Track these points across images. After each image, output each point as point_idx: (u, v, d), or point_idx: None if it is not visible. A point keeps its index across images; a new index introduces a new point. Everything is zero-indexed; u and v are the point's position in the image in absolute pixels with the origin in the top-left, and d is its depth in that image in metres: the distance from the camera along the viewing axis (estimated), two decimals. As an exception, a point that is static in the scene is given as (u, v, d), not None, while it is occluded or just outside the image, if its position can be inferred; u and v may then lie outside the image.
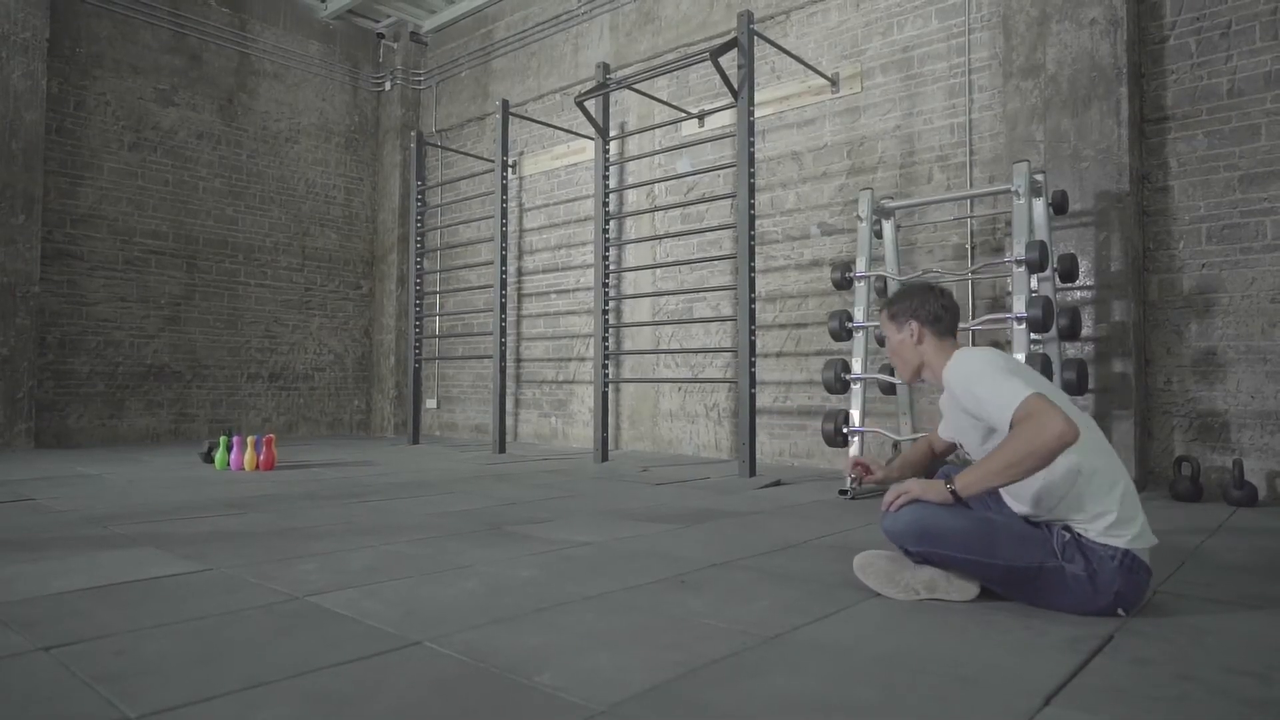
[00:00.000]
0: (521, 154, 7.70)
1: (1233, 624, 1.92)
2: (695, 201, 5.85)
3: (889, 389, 4.46)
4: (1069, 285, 4.34)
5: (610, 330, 6.12)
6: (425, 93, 8.80)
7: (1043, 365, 3.70)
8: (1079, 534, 1.96)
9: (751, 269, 4.88)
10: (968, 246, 4.96)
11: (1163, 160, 4.41)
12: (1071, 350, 4.34)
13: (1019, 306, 3.80)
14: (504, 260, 6.70)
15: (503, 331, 6.62)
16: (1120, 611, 1.94)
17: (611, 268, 6.19)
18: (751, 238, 4.89)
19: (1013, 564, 1.96)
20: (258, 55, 7.96)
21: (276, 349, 8.05)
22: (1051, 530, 2.00)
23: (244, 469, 5.03)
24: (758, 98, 5.63)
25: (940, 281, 4.88)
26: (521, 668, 1.59)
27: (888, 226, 4.68)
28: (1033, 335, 3.84)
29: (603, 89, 5.82)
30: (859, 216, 4.51)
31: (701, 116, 5.93)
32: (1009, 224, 4.43)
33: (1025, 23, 4.59)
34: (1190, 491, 3.91)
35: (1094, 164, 4.34)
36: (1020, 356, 3.73)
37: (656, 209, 6.31)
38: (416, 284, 7.48)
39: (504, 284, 6.68)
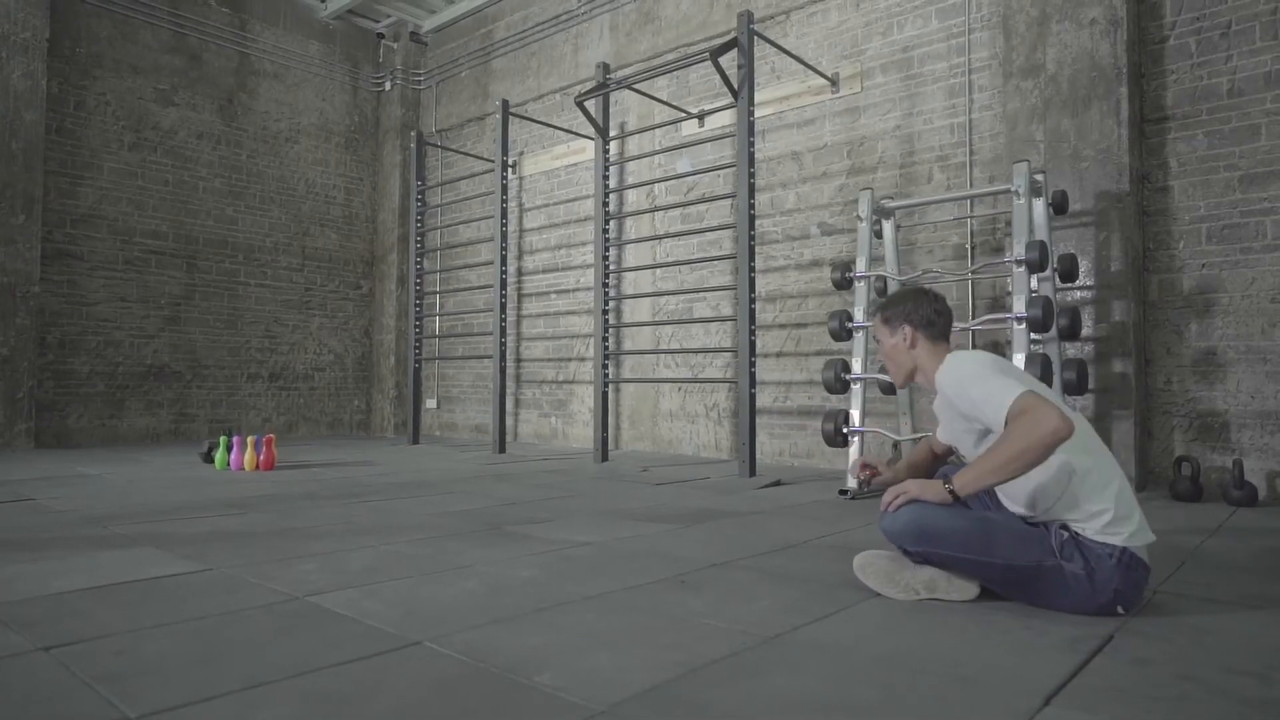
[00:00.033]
0: (521, 154, 7.70)
1: (1233, 624, 1.92)
2: (695, 201, 5.85)
3: (889, 389, 4.46)
4: (1069, 285, 4.34)
5: (610, 330, 6.13)
6: (425, 93, 8.81)
7: (1043, 365, 3.70)
8: (1076, 532, 1.96)
9: (751, 269, 4.89)
10: (968, 246, 4.97)
11: (1163, 160, 4.41)
12: (1071, 350, 4.34)
13: (1019, 306, 3.80)
14: (504, 260, 6.70)
15: (503, 331, 6.62)
16: (1120, 609, 1.94)
17: (611, 268, 6.19)
18: (751, 238, 4.89)
19: (1012, 562, 1.97)
20: (258, 55, 7.96)
21: (276, 349, 8.05)
22: (1049, 529, 2.00)
23: (244, 469, 5.03)
24: (758, 98, 5.63)
25: (940, 281, 4.89)
26: (521, 668, 1.59)
27: (888, 226, 4.68)
28: (1033, 335, 3.84)
29: (603, 89, 5.82)
30: (859, 216, 4.51)
31: (701, 116, 5.93)
32: (1009, 224, 4.43)
33: (1025, 23, 4.59)
34: (1190, 491, 3.91)
35: (1094, 164, 4.34)
36: (1020, 356, 3.74)
37: (656, 209, 6.31)
38: (416, 284, 7.48)
39: (504, 284, 6.69)
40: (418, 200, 7.50)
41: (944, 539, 1.99)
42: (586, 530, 3.11)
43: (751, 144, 4.90)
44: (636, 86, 5.94)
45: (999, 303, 4.78)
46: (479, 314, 7.89)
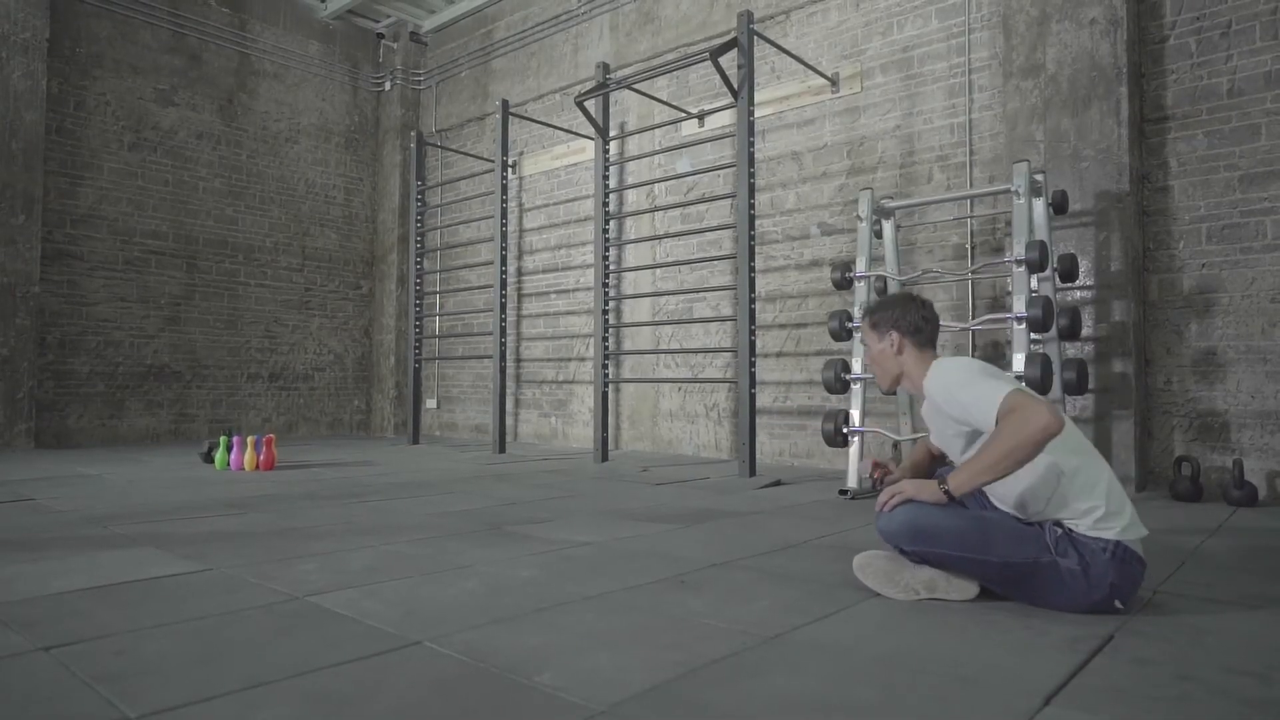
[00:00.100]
0: (521, 154, 7.70)
1: (1233, 624, 1.92)
2: (695, 201, 5.85)
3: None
4: (1069, 285, 4.34)
5: (610, 330, 6.12)
6: (425, 93, 8.80)
7: (1043, 365, 3.70)
8: (1070, 529, 1.98)
9: (751, 269, 4.89)
10: (968, 246, 4.96)
11: (1163, 160, 4.41)
12: (1071, 350, 4.34)
13: (1019, 306, 3.80)
14: (504, 260, 6.70)
15: (503, 331, 6.62)
16: (1117, 604, 1.95)
17: (611, 268, 6.19)
18: (751, 238, 4.89)
19: (1008, 560, 1.98)
20: (257, 55, 7.96)
21: (276, 349, 8.05)
22: (1044, 527, 2.02)
23: (244, 469, 5.03)
24: (758, 98, 5.63)
25: (940, 281, 4.90)
26: (521, 668, 1.59)
27: (888, 226, 4.68)
28: (1033, 335, 3.84)
29: (603, 89, 5.82)
30: (859, 216, 4.51)
31: (701, 116, 5.93)
32: (1009, 224, 4.43)
33: (1025, 22, 4.59)
34: (1190, 491, 3.91)
35: (1094, 164, 4.34)
36: (1020, 356, 3.74)
37: (656, 209, 6.31)
38: (416, 284, 7.48)
39: (504, 284, 6.69)
40: (418, 200, 7.50)
41: (940, 538, 2.01)
42: (586, 530, 3.11)
43: (751, 144, 4.90)
44: (636, 86, 5.94)
45: (999, 303, 4.78)
46: (479, 314, 7.89)
